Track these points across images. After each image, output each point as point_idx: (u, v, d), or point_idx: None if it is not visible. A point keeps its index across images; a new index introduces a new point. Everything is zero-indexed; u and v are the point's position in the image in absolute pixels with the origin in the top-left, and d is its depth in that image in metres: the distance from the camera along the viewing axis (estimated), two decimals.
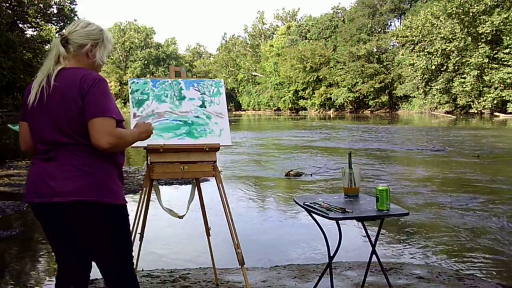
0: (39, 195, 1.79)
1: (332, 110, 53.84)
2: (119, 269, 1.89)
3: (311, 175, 8.30)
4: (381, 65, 49.71)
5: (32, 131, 1.86)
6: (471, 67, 35.71)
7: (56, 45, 1.85)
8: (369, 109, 51.55)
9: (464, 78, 36.83)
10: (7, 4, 33.75)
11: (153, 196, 2.71)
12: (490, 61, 35.22)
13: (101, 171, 1.80)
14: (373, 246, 2.47)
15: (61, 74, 1.81)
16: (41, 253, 4.17)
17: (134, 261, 2.68)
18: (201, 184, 2.95)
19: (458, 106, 39.66)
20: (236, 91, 76.75)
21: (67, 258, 1.92)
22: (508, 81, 33.68)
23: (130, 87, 2.79)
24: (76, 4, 43.18)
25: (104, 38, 1.93)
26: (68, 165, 1.77)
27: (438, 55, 38.69)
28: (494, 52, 35.13)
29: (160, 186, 2.80)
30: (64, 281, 1.94)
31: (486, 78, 35.18)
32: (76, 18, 43.70)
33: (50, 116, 1.79)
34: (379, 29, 55.28)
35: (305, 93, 57.44)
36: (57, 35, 42.02)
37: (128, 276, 1.92)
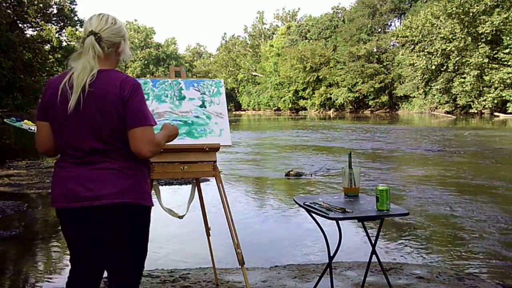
0: (78, 199, 1.74)
1: (332, 110, 53.84)
2: (134, 275, 1.87)
3: (311, 175, 8.30)
4: (381, 65, 49.71)
5: (61, 135, 1.77)
6: (471, 67, 35.70)
7: (93, 44, 1.75)
8: (369, 109, 51.55)
9: (464, 78, 36.83)
10: (7, 4, 33.74)
11: (153, 196, 2.71)
12: (490, 61, 35.21)
13: (139, 174, 1.80)
14: (373, 246, 2.47)
15: (97, 77, 1.73)
16: (41, 253, 4.18)
17: None
18: (201, 184, 2.95)
19: (458, 106, 39.66)
20: (236, 91, 76.75)
21: (89, 263, 1.86)
22: (508, 81, 33.68)
23: None
24: (76, 4, 43.14)
25: (126, 33, 1.89)
26: (107, 168, 1.74)
27: (438, 55, 38.69)
28: (494, 52, 35.13)
29: (160, 186, 2.80)
30: (77, 286, 1.89)
31: (486, 78, 35.18)
32: (76, 18, 43.74)
33: (87, 121, 1.72)
34: (379, 29, 55.28)
35: (305, 93, 57.44)
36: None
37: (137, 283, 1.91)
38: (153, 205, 1.87)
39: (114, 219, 1.76)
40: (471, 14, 34.90)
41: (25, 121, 2.87)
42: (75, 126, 1.74)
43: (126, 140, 1.74)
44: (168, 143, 2.64)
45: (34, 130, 2.28)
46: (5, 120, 2.23)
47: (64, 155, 1.80)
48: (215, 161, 2.72)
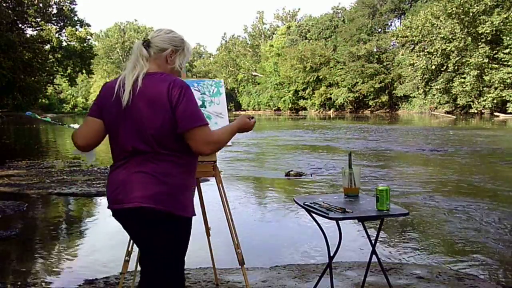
0: (116, 202, 1.80)
1: (332, 110, 53.85)
2: (168, 283, 1.85)
3: (311, 175, 8.30)
4: (381, 65, 49.71)
5: (114, 135, 1.83)
6: (471, 67, 35.70)
7: (139, 47, 1.85)
8: (369, 109, 51.55)
9: (464, 78, 36.83)
10: (7, 4, 33.74)
11: None
12: (490, 61, 35.21)
13: (175, 181, 1.78)
14: (373, 246, 2.47)
15: (146, 78, 1.79)
16: (41, 253, 4.17)
17: (135, 264, 2.68)
18: (201, 184, 2.95)
19: (458, 106, 39.66)
20: (236, 91, 76.74)
21: (144, 259, 1.92)
22: (508, 81, 33.68)
23: None
24: (76, 4, 43.15)
25: (185, 47, 1.94)
26: (142, 172, 1.75)
27: (438, 55, 38.69)
28: (494, 52, 35.12)
29: None
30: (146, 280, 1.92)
31: (486, 78, 35.18)
32: (75, 18, 43.73)
33: (134, 121, 1.76)
34: (379, 29, 55.29)
35: (305, 93, 57.43)
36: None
37: None
38: (190, 216, 1.84)
39: (142, 222, 1.77)
40: (471, 14, 34.89)
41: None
42: (123, 126, 1.78)
43: (169, 144, 1.76)
44: None
45: (72, 126, 2.28)
46: (26, 114, 2.21)
47: (114, 157, 1.87)
48: (215, 161, 2.72)
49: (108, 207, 1.86)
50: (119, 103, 1.77)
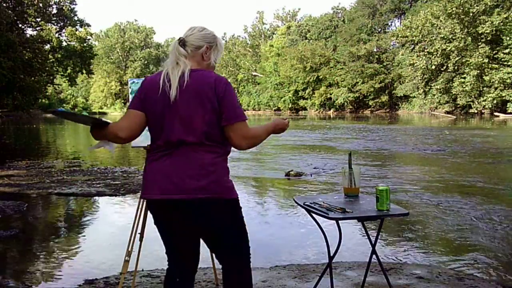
0: (163, 191, 1.85)
1: (332, 110, 53.85)
2: (241, 260, 1.99)
3: (311, 175, 8.30)
4: (381, 65, 49.71)
5: (158, 127, 1.88)
6: (471, 67, 35.71)
7: (175, 46, 1.94)
8: (369, 109, 51.55)
9: (464, 78, 36.84)
10: (7, 4, 33.74)
11: None
12: (490, 61, 35.22)
13: (220, 170, 1.89)
14: (373, 246, 2.47)
15: (191, 75, 1.88)
16: (41, 253, 4.17)
17: (135, 264, 2.68)
18: None
19: (458, 106, 39.67)
20: (236, 91, 76.65)
21: (185, 252, 1.99)
22: (508, 81, 33.69)
23: (130, 87, 2.79)
24: (75, 4, 43.17)
25: (217, 43, 2.03)
26: (191, 163, 1.84)
27: (438, 55, 38.69)
28: (494, 52, 35.13)
29: None
30: (174, 275, 2.00)
31: (486, 78, 35.18)
32: (75, 18, 43.73)
33: (180, 114, 1.85)
34: (379, 29, 55.30)
35: (305, 93, 57.42)
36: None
37: (248, 268, 2.02)
38: (236, 197, 1.95)
39: (200, 211, 1.86)
40: (471, 14, 34.90)
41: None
42: (169, 118, 1.86)
43: (213, 136, 1.86)
44: None
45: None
46: (59, 110, 2.17)
47: (156, 147, 1.91)
48: None
49: (145, 197, 1.92)
50: (166, 97, 1.85)
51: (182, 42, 1.95)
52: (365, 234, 2.66)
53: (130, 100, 2.74)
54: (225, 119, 1.85)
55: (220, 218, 1.90)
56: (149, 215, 2.73)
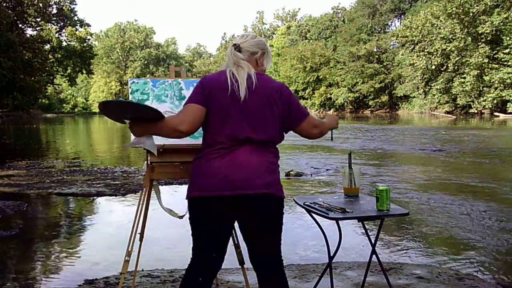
0: (230, 188, 1.86)
1: (332, 110, 53.83)
2: (278, 258, 2.04)
3: (311, 175, 8.30)
4: (381, 65, 49.73)
5: (220, 124, 1.91)
6: (471, 67, 35.73)
7: (233, 52, 2.00)
8: (369, 109, 51.57)
9: (464, 78, 36.85)
10: (7, 4, 33.74)
11: (153, 196, 2.71)
12: (490, 61, 35.24)
13: (277, 169, 2.01)
14: (373, 246, 2.47)
15: (257, 77, 1.95)
16: (41, 253, 4.17)
17: (135, 264, 2.68)
18: None
19: (458, 106, 39.69)
20: None
21: (221, 251, 2.01)
22: (508, 81, 33.70)
23: (130, 87, 2.78)
24: (75, 4, 43.19)
25: (268, 50, 2.11)
26: (259, 161, 1.91)
27: (438, 55, 38.72)
28: (494, 52, 35.14)
29: (160, 186, 2.80)
30: (197, 273, 2.03)
31: (486, 78, 35.20)
32: (75, 18, 43.75)
33: (249, 113, 1.91)
34: (379, 29, 55.31)
35: (305, 93, 57.45)
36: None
37: (282, 264, 2.07)
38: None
39: (262, 208, 1.91)
40: (471, 14, 34.92)
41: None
42: (235, 116, 1.90)
43: (275, 138, 1.98)
44: (168, 143, 2.66)
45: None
46: (119, 100, 2.15)
47: (215, 143, 1.92)
48: None
49: (201, 194, 1.90)
50: (234, 96, 1.91)
51: (237, 48, 2.01)
52: (365, 234, 2.66)
53: (130, 100, 2.75)
54: (296, 119, 2.02)
55: (275, 215, 1.97)
56: (148, 215, 2.73)
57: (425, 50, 39.96)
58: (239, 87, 1.90)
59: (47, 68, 36.34)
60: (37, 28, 38.97)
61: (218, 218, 1.94)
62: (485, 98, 35.97)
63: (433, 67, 39.66)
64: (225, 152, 1.90)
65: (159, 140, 2.62)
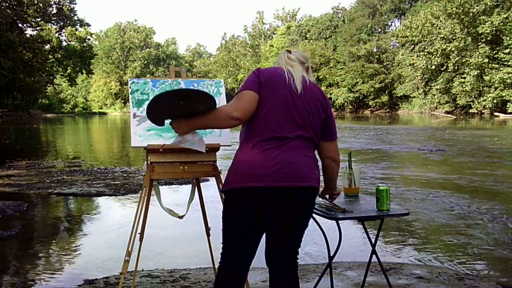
0: (282, 179, 1.84)
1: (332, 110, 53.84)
2: (297, 251, 2.04)
3: None
4: (381, 65, 49.74)
5: (271, 114, 1.90)
6: (471, 67, 35.73)
7: (286, 54, 2.09)
8: (369, 109, 51.57)
9: (464, 78, 36.86)
10: (7, 4, 33.74)
11: (153, 196, 2.71)
12: (490, 61, 35.24)
13: (317, 164, 2.02)
14: (373, 246, 2.47)
15: (306, 80, 2.01)
16: (41, 253, 4.17)
17: (135, 264, 2.68)
18: (201, 184, 2.94)
19: (458, 106, 39.69)
20: (236, 91, 76.71)
21: (253, 243, 2.01)
22: (508, 81, 33.71)
23: (130, 87, 2.78)
24: (75, 4, 43.17)
25: (310, 66, 2.20)
26: (307, 155, 1.94)
27: (438, 55, 38.72)
28: (494, 52, 35.15)
29: (160, 186, 2.80)
30: (232, 271, 2.01)
31: (486, 78, 35.21)
32: (75, 18, 43.73)
33: (301, 108, 1.93)
34: (379, 29, 55.31)
35: None
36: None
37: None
38: None
39: (310, 199, 1.95)
40: (471, 14, 34.92)
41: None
42: (287, 110, 1.92)
43: (316, 139, 2.00)
44: (168, 143, 2.66)
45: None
46: (189, 88, 2.17)
47: (261, 134, 1.90)
48: (215, 161, 2.72)
49: (247, 184, 1.86)
50: (291, 88, 1.94)
51: (290, 53, 2.10)
52: (365, 234, 2.66)
53: (130, 100, 2.75)
54: (329, 134, 2.05)
55: (313, 207, 2.01)
56: (148, 215, 2.73)
57: (425, 50, 39.97)
58: (295, 81, 1.95)
59: (47, 68, 36.33)
60: (37, 28, 38.94)
61: (268, 209, 1.90)
62: (485, 98, 35.98)
63: (433, 67, 39.66)
64: (278, 144, 1.88)
65: (160, 141, 2.63)
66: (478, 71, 35.55)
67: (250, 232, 1.98)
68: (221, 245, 2.06)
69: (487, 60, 35.11)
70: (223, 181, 2.09)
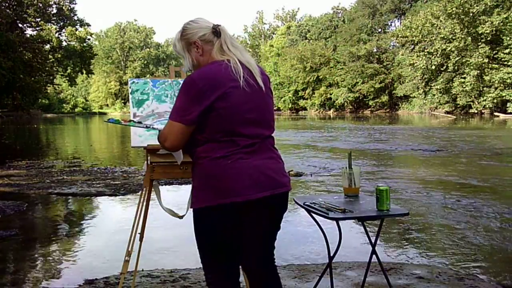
0: (265, 188, 1.74)
1: (332, 110, 53.86)
2: (273, 257, 2.02)
3: (311, 175, 8.30)
4: (381, 65, 49.74)
5: (240, 119, 1.74)
6: (471, 67, 35.73)
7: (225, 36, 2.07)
8: (369, 109, 51.57)
9: (464, 78, 36.86)
10: (7, 4, 33.74)
11: (153, 196, 2.71)
12: (490, 61, 35.25)
13: None
14: (373, 246, 2.47)
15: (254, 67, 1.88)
16: (41, 253, 4.17)
17: (135, 264, 2.68)
18: None
19: (458, 106, 39.69)
20: None
21: (239, 254, 1.93)
22: (508, 81, 33.71)
23: (130, 87, 2.78)
24: (75, 4, 43.19)
25: None
26: (274, 157, 1.83)
27: (438, 55, 38.72)
28: (494, 52, 35.15)
29: (160, 186, 2.79)
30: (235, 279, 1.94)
31: (486, 78, 35.21)
32: (75, 17, 43.75)
33: (262, 107, 1.82)
34: (379, 29, 55.31)
35: (305, 93, 57.45)
36: (56, 34, 41.85)
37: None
38: None
39: (286, 203, 1.90)
40: (471, 14, 34.93)
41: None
42: (251, 111, 1.77)
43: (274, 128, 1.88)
44: None
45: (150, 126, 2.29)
46: (109, 120, 2.16)
47: (231, 143, 1.72)
48: None
49: (232, 199, 1.71)
50: (249, 87, 1.79)
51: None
52: (365, 234, 2.65)
53: (130, 100, 2.75)
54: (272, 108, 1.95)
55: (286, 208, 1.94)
56: (149, 215, 2.73)
57: (425, 50, 39.97)
58: (256, 77, 1.86)
59: (47, 68, 36.37)
60: (37, 28, 38.98)
61: (248, 218, 1.82)
62: (485, 98, 35.98)
63: (433, 67, 39.66)
64: (246, 152, 1.74)
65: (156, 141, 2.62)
66: (478, 71, 35.54)
67: (235, 244, 1.86)
68: (203, 271, 1.95)
69: (487, 60, 35.11)
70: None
